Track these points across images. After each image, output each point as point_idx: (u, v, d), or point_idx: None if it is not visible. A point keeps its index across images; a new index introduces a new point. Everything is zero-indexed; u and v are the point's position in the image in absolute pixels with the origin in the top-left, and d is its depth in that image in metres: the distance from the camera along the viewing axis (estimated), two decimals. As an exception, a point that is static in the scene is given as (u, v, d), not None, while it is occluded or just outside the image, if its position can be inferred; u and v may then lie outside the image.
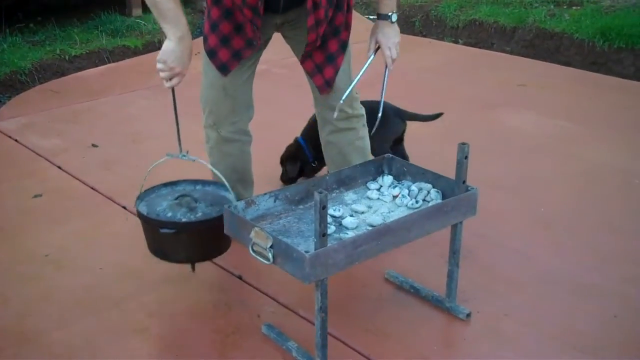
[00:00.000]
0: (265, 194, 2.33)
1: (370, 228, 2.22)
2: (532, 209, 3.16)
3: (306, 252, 1.97)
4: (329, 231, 2.22)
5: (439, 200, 2.38)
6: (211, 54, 2.53)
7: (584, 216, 3.11)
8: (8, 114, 4.37)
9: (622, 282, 2.63)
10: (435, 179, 2.43)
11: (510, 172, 3.54)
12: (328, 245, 2.00)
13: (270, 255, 2.05)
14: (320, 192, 1.93)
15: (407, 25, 6.52)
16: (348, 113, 2.73)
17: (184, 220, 2.34)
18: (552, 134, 4.01)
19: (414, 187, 2.44)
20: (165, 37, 2.28)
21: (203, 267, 2.72)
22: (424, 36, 6.36)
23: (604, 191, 3.34)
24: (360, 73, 2.57)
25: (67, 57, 5.43)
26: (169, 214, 2.37)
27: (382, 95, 2.63)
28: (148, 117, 4.32)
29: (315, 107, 2.78)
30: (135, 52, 5.74)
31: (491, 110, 4.36)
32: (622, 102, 4.51)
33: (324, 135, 2.83)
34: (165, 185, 2.55)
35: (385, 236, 2.13)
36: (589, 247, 2.87)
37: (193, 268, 2.48)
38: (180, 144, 2.45)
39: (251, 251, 2.12)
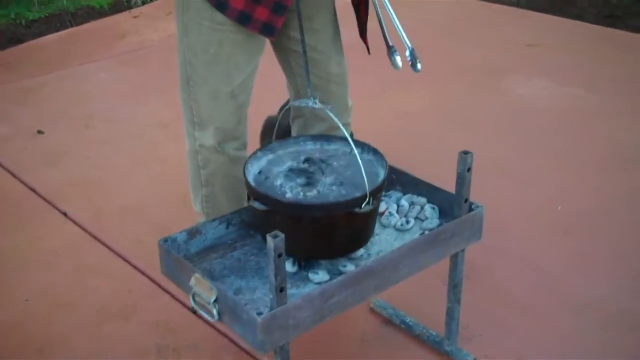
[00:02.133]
0: (215, 219, 1.83)
1: (346, 265, 1.73)
2: (547, 207, 2.66)
3: (258, 313, 1.49)
4: (293, 269, 1.74)
5: (436, 219, 1.88)
6: (243, 18, 1.87)
7: (611, 216, 2.60)
8: (-53, 94, 3.85)
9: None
10: (430, 191, 1.93)
11: (520, 157, 3.02)
12: (288, 301, 1.52)
13: (214, 312, 1.57)
14: (275, 236, 1.43)
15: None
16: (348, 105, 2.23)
17: (287, 196, 1.65)
18: (569, 107, 3.47)
19: (404, 202, 1.94)
20: None
21: (147, 296, 2.26)
22: (422, -13, 5.75)
23: (637, 181, 2.81)
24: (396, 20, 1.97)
25: (23, 22, 4.88)
26: (278, 183, 1.70)
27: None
28: (106, 94, 3.79)
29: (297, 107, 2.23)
30: (101, 14, 5.16)
31: (496, 78, 3.81)
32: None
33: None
34: (315, 138, 1.86)
35: (365, 280, 1.64)
36: (619, 260, 2.37)
37: (299, 265, 1.74)
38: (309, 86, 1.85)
39: (192, 302, 1.64)
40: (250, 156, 1.78)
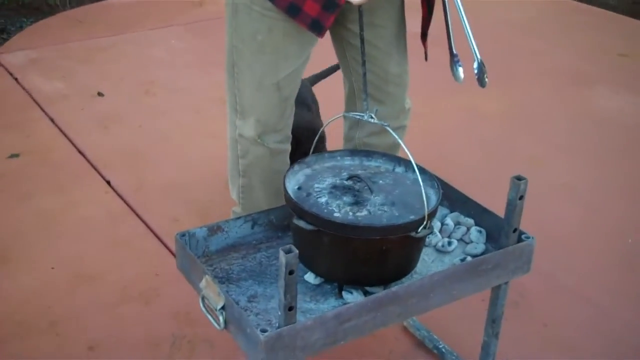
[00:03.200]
0: (239, 217, 1.71)
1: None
2: (616, 239, 2.43)
3: (262, 330, 1.36)
4: (316, 282, 1.61)
5: (481, 244, 1.71)
6: (292, 10, 1.73)
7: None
8: (17, 45, 3.85)
9: None
10: (479, 213, 1.75)
11: (593, 178, 2.78)
12: (298, 320, 1.38)
13: (221, 320, 1.46)
14: (289, 251, 1.30)
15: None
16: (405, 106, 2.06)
17: (336, 215, 1.50)
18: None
19: (449, 220, 1.77)
20: None
21: (173, 281, 2.15)
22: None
23: None
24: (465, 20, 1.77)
25: (105, -22, 4.85)
26: (322, 200, 1.56)
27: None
28: (172, 62, 3.72)
29: (351, 104, 2.06)
30: (189, -23, 5.09)
31: (580, 87, 3.55)
32: None
33: (361, 136, 2.09)
34: (353, 153, 1.73)
35: (389, 306, 1.49)
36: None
37: (340, 292, 1.59)
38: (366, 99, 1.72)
39: (201, 305, 1.53)
40: (287, 170, 1.64)
